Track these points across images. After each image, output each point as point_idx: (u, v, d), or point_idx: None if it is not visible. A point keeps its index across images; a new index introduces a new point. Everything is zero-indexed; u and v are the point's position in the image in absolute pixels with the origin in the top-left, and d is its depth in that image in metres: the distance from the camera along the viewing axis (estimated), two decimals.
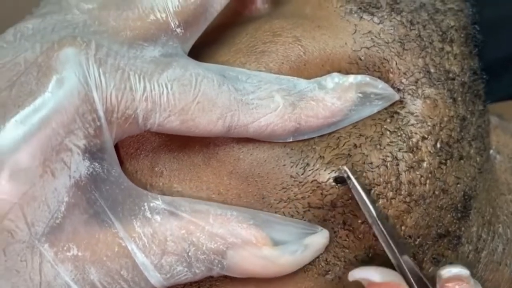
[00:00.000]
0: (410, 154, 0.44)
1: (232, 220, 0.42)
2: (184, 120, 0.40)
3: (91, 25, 0.41)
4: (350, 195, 0.43)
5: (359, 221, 0.44)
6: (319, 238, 0.43)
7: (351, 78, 0.44)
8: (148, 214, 0.41)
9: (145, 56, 0.41)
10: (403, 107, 0.45)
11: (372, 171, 0.44)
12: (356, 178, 0.43)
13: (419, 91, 0.46)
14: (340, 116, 0.44)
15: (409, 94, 0.45)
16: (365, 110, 0.44)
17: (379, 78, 0.45)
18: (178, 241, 0.40)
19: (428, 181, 0.45)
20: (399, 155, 0.44)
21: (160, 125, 0.40)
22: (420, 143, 0.45)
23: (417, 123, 0.45)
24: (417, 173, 0.44)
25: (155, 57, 0.41)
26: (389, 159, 0.44)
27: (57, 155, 0.38)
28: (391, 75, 0.46)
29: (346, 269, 0.45)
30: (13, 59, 0.39)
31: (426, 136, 0.45)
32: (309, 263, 0.44)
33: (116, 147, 0.41)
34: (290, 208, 0.43)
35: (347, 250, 0.44)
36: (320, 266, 0.44)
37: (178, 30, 0.42)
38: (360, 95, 0.44)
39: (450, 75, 0.47)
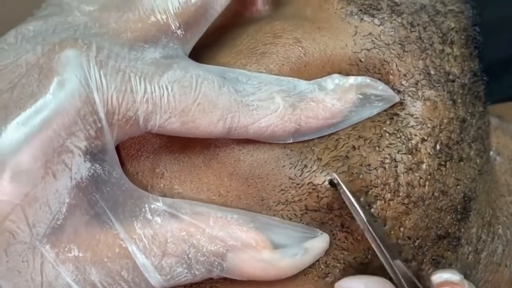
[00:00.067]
0: (409, 156, 0.44)
1: (232, 223, 0.42)
2: (184, 121, 0.40)
3: (92, 27, 0.41)
4: None
5: (357, 223, 0.44)
6: (319, 242, 0.43)
7: (351, 80, 0.44)
8: (148, 215, 0.41)
9: (146, 58, 0.41)
10: (403, 109, 0.45)
11: (369, 173, 0.44)
12: (352, 181, 0.43)
13: (419, 93, 0.46)
14: (340, 117, 0.44)
15: (409, 96, 0.45)
16: (365, 111, 0.44)
17: (379, 79, 0.45)
18: (178, 243, 0.41)
19: (427, 183, 0.45)
20: (398, 157, 0.44)
21: (161, 126, 0.40)
22: (419, 145, 0.45)
23: (417, 125, 0.45)
24: (416, 174, 0.44)
25: (156, 59, 0.41)
26: (387, 161, 0.44)
27: (58, 157, 0.38)
28: (391, 76, 0.46)
29: (345, 271, 0.45)
30: (14, 61, 0.39)
31: (426, 138, 0.45)
32: (309, 266, 0.44)
33: (117, 148, 0.42)
34: (288, 210, 0.44)
35: (346, 252, 0.44)
36: (320, 268, 0.44)
37: (179, 31, 0.42)
38: (360, 96, 0.44)
39: (450, 77, 0.47)
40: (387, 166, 0.44)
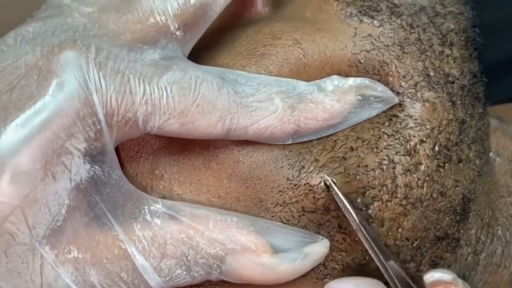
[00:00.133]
0: (408, 157, 0.44)
1: (232, 226, 0.42)
2: (183, 123, 0.40)
3: (91, 29, 0.41)
4: None
5: None
6: (319, 247, 0.43)
7: (351, 81, 0.44)
8: (148, 217, 0.41)
9: (145, 59, 0.41)
10: (402, 110, 0.45)
11: (366, 174, 0.44)
12: (348, 182, 0.43)
13: (418, 94, 0.46)
14: (339, 119, 0.44)
15: (408, 97, 0.45)
16: (364, 112, 0.44)
17: (379, 81, 0.45)
18: (177, 245, 0.41)
19: (425, 184, 0.45)
20: (396, 158, 0.44)
21: (160, 128, 0.40)
22: (418, 146, 0.45)
23: (416, 126, 0.45)
24: (414, 176, 0.44)
25: (155, 60, 0.41)
26: (385, 162, 0.44)
27: (58, 158, 0.38)
28: (390, 78, 0.46)
29: (344, 273, 0.45)
30: (13, 62, 0.39)
31: (425, 139, 0.45)
32: None
33: (117, 149, 0.42)
34: (285, 212, 0.44)
35: (344, 253, 0.44)
36: (319, 270, 0.44)
37: (178, 33, 0.42)
38: (360, 97, 0.44)
39: (450, 78, 0.47)
40: (385, 168, 0.44)
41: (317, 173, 0.44)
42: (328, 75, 0.45)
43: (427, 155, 0.45)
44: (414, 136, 0.45)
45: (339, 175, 0.43)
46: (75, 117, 0.38)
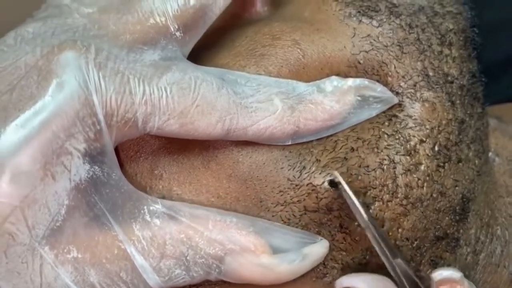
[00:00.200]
0: (408, 157, 0.44)
1: (232, 226, 0.42)
2: (183, 123, 0.40)
3: (91, 29, 0.41)
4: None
5: (356, 223, 0.44)
6: (319, 248, 0.43)
7: (350, 82, 0.44)
8: (147, 217, 0.41)
9: (145, 59, 0.41)
10: (402, 110, 0.45)
11: (368, 174, 0.44)
12: (350, 182, 0.43)
13: (418, 94, 0.46)
14: (338, 119, 0.44)
15: (407, 97, 0.45)
16: (364, 113, 0.44)
17: (378, 81, 0.45)
18: (177, 245, 0.41)
19: (425, 184, 0.45)
20: (396, 158, 0.44)
21: (160, 128, 0.40)
22: (418, 146, 0.45)
23: (415, 126, 0.45)
24: (415, 176, 0.44)
25: (155, 61, 0.41)
26: (385, 162, 0.44)
27: (57, 159, 0.38)
28: (389, 78, 0.46)
29: (343, 272, 0.45)
30: (13, 62, 0.39)
31: (424, 139, 0.45)
32: None
33: (116, 150, 0.42)
34: (287, 211, 0.44)
35: (344, 253, 0.44)
36: (318, 269, 0.44)
37: (178, 33, 0.42)
38: (359, 98, 0.44)
39: (449, 78, 0.47)
40: (385, 168, 0.44)
41: (320, 173, 0.44)
42: (328, 75, 0.45)
43: (427, 155, 0.45)
44: (414, 136, 0.45)
45: (342, 175, 0.43)
46: (75, 117, 0.38)
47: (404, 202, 0.44)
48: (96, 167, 0.39)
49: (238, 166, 0.43)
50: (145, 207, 0.41)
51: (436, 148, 0.45)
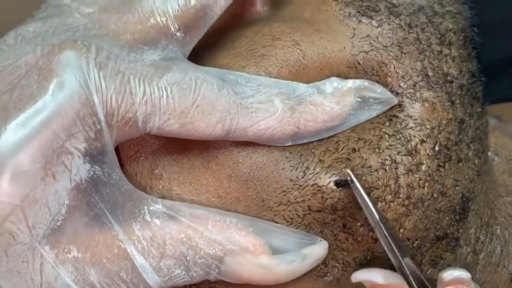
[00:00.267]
0: (409, 157, 0.44)
1: (231, 227, 0.42)
2: (183, 123, 0.40)
3: (92, 29, 0.41)
4: (350, 198, 0.43)
5: (358, 224, 0.44)
6: (318, 249, 0.44)
7: (350, 83, 0.44)
8: (147, 217, 0.41)
9: (145, 59, 0.41)
10: (402, 111, 0.45)
11: (371, 175, 0.44)
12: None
13: (418, 94, 0.46)
14: (338, 121, 0.44)
15: (407, 97, 0.45)
16: (364, 114, 0.44)
17: (378, 82, 0.45)
18: (176, 245, 0.41)
19: (426, 184, 0.45)
20: (398, 158, 0.44)
21: (160, 128, 0.40)
22: (419, 146, 0.45)
23: (416, 126, 0.45)
24: (416, 176, 0.45)
25: (155, 61, 0.41)
26: (388, 162, 0.44)
27: (58, 158, 0.38)
28: (389, 78, 0.46)
29: (344, 271, 0.45)
30: (14, 62, 0.39)
31: (425, 139, 0.45)
32: None
33: (116, 149, 0.42)
34: (290, 211, 0.44)
35: (345, 253, 0.45)
36: (319, 268, 0.45)
37: (178, 34, 0.42)
38: (359, 99, 0.44)
39: (448, 78, 0.47)
40: (387, 168, 0.44)
41: (325, 174, 0.44)
42: (327, 76, 0.45)
43: (428, 155, 0.45)
44: (415, 136, 0.45)
45: (346, 176, 0.44)
46: (75, 117, 0.38)
47: (406, 202, 0.44)
48: (97, 167, 0.40)
49: (238, 167, 0.44)
50: (145, 207, 0.41)
51: (437, 148, 0.45)
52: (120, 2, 0.42)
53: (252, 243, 0.42)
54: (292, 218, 0.44)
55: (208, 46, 0.47)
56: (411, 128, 0.45)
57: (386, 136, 0.45)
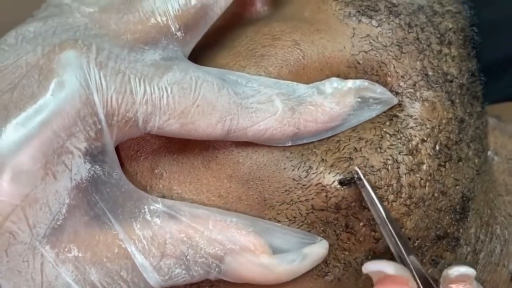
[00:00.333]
0: (410, 157, 0.44)
1: (232, 226, 0.42)
2: (183, 123, 0.40)
3: (92, 28, 0.41)
4: (354, 197, 0.44)
5: (361, 223, 0.44)
6: (318, 248, 0.44)
7: (350, 83, 0.44)
8: (148, 217, 0.41)
9: (146, 59, 0.41)
10: (402, 110, 0.45)
11: (373, 174, 0.44)
12: (359, 182, 0.43)
13: (417, 94, 0.46)
14: (338, 121, 0.44)
15: (407, 97, 0.46)
16: (364, 114, 0.44)
17: (377, 81, 0.45)
18: (177, 244, 0.41)
19: (427, 184, 0.45)
20: (400, 158, 0.44)
21: (160, 128, 0.40)
22: (419, 145, 0.45)
23: (416, 126, 0.45)
24: (417, 175, 0.45)
25: (156, 61, 0.41)
26: (389, 162, 0.44)
27: (58, 158, 0.38)
28: (389, 78, 0.46)
29: (345, 271, 0.45)
30: (14, 61, 0.39)
31: (426, 138, 0.45)
32: None
33: (117, 149, 0.42)
34: (293, 210, 0.44)
35: (347, 253, 0.45)
36: (320, 267, 0.45)
37: (179, 33, 0.42)
38: (359, 99, 0.44)
39: (448, 77, 0.47)
40: (389, 167, 0.44)
41: (329, 173, 0.44)
42: (327, 76, 0.45)
43: (429, 154, 0.45)
44: (415, 136, 0.45)
45: (350, 174, 0.44)
46: (75, 116, 0.38)
47: (408, 202, 0.44)
48: (97, 166, 0.40)
49: (238, 167, 0.44)
50: (146, 207, 0.41)
51: (437, 147, 0.45)
52: (120, 2, 0.42)
53: (253, 243, 0.42)
54: (294, 217, 0.44)
55: (208, 46, 0.47)
56: (411, 127, 0.45)
57: (387, 135, 0.45)
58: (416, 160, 0.45)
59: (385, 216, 0.42)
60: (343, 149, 0.44)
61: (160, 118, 0.40)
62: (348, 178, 0.43)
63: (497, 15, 0.78)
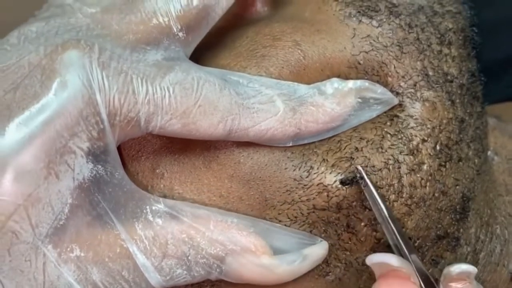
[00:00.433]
0: (411, 157, 0.44)
1: (233, 227, 0.42)
2: (185, 123, 0.40)
3: (94, 29, 0.41)
4: (355, 197, 0.44)
5: (362, 223, 0.44)
6: (318, 249, 0.44)
7: (350, 84, 0.44)
8: (150, 217, 0.41)
9: (148, 59, 0.41)
10: (403, 110, 0.45)
11: (375, 174, 0.44)
12: (361, 181, 0.43)
13: (418, 94, 0.46)
14: (339, 121, 0.44)
15: (408, 97, 0.46)
16: (364, 114, 0.45)
17: (378, 82, 0.45)
18: (178, 245, 0.41)
19: (428, 184, 0.45)
20: (401, 157, 0.44)
21: (162, 128, 0.40)
22: (420, 145, 0.45)
23: (417, 126, 0.45)
24: (418, 175, 0.45)
25: (158, 61, 0.41)
26: (391, 162, 0.44)
27: (61, 157, 0.38)
28: (389, 78, 0.46)
29: (346, 271, 0.45)
30: (17, 61, 0.39)
31: (426, 138, 0.45)
32: None
33: (118, 149, 0.42)
34: (294, 210, 0.44)
35: (348, 253, 0.45)
36: (321, 267, 0.45)
37: (180, 34, 0.43)
38: (359, 100, 0.44)
39: (449, 77, 0.47)
40: (391, 167, 0.44)
41: (331, 173, 0.44)
42: (328, 77, 0.45)
43: (429, 154, 0.45)
44: (416, 136, 0.45)
45: (352, 174, 0.44)
46: (78, 116, 0.38)
47: (409, 201, 0.44)
48: (99, 166, 0.40)
49: (239, 167, 0.44)
50: (148, 207, 0.41)
51: (438, 147, 0.45)
52: (122, 3, 0.42)
53: (253, 243, 0.42)
54: (296, 217, 0.44)
55: (209, 46, 0.47)
56: (412, 127, 0.45)
57: (388, 135, 0.45)
58: (417, 160, 0.45)
59: (387, 215, 0.42)
60: (344, 149, 0.44)
61: (162, 118, 0.40)
62: (350, 178, 0.43)
63: (497, 15, 0.78)
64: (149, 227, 0.41)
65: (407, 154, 0.44)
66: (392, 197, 0.44)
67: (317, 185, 0.43)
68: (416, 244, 0.45)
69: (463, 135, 0.47)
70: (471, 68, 0.50)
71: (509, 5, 0.80)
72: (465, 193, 0.47)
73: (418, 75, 0.46)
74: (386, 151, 0.44)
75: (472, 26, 0.51)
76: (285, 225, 0.44)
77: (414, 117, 0.45)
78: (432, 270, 0.47)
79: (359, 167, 0.43)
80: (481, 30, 0.51)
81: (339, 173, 0.44)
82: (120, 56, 0.40)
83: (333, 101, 0.43)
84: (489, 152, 0.53)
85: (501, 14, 0.79)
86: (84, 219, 0.40)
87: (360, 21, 0.47)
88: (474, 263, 0.49)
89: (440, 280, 0.44)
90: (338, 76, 0.45)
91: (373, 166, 0.44)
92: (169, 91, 0.40)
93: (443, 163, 0.45)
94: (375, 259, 0.42)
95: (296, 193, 0.44)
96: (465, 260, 0.48)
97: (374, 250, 0.44)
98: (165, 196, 0.44)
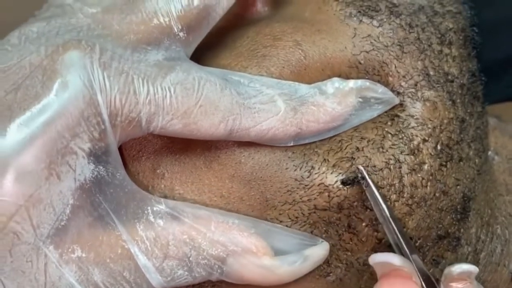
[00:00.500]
0: (412, 157, 0.44)
1: (234, 228, 0.42)
2: (186, 123, 0.40)
3: (95, 29, 0.41)
4: (356, 197, 0.44)
5: (363, 224, 0.44)
6: (319, 250, 0.44)
7: (351, 83, 0.44)
8: (151, 218, 0.41)
9: (149, 59, 0.41)
10: (403, 110, 0.45)
11: (376, 174, 0.44)
12: (362, 181, 0.43)
13: (419, 93, 0.46)
14: (340, 121, 0.44)
15: (408, 97, 0.46)
16: (365, 114, 0.45)
17: (379, 81, 0.45)
18: (179, 246, 0.41)
19: (429, 183, 0.45)
20: (401, 157, 0.44)
21: (163, 128, 0.40)
22: (421, 145, 0.45)
23: (418, 126, 0.45)
24: (419, 175, 0.45)
25: (159, 61, 0.41)
26: (392, 161, 0.44)
27: (62, 158, 0.38)
28: (390, 78, 0.46)
29: (347, 272, 0.45)
30: (18, 62, 0.39)
31: (427, 138, 0.45)
32: None
33: (119, 149, 0.42)
34: (295, 210, 0.44)
35: (349, 253, 0.45)
36: (322, 268, 0.45)
37: (181, 34, 0.43)
38: (360, 99, 0.44)
39: (449, 77, 0.47)
40: (392, 167, 0.44)
41: (332, 173, 0.44)
42: (329, 76, 0.45)
43: (430, 154, 0.45)
44: (417, 136, 0.45)
45: (353, 174, 0.44)
46: (79, 117, 0.38)
47: (410, 201, 0.44)
48: (101, 167, 0.40)
49: (240, 167, 0.44)
50: (149, 208, 0.41)
51: (439, 147, 0.45)
52: (123, 3, 0.42)
53: (254, 244, 0.42)
54: (297, 217, 0.44)
55: (209, 46, 0.47)
56: (413, 127, 0.45)
57: (389, 135, 0.45)
58: (417, 160, 0.45)
59: (388, 215, 0.42)
60: (345, 148, 0.44)
61: (163, 118, 0.40)
62: (351, 178, 0.43)
63: (497, 15, 0.78)
64: (150, 228, 0.41)
65: (408, 154, 0.44)
66: (393, 197, 0.44)
67: (318, 185, 0.43)
68: (417, 244, 0.45)
69: (464, 135, 0.47)
70: (472, 68, 0.50)
71: (509, 5, 0.80)
72: (465, 193, 0.47)
73: (419, 75, 0.46)
74: (387, 151, 0.44)
75: (472, 26, 0.51)
76: (286, 225, 0.44)
77: (415, 117, 0.45)
78: (433, 270, 0.47)
79: (361, 167, 0.43)
80: (481, 30, 0.51)
81: (340, 173, 0.44)
82: (121, 56, 0.40)
83: (334, 101, 0.43)
84: (489, 152, 0.53)
85: (501, 14, 0.79)
86: (86, 220, 0.40)
87: (361, 21, 0.47)
88: (475, 263, 0.49)
89: (441, 280, 0.44)
90: (339, 76, 0.45)
91: (374, 166, 0.44)
92: (170, 91, 0.40)
93: (444, 163, 0.45)
94: (377, 259, 0.42)
95: (297, 193, 0.44)
96: (465, 260, 0.48)
97: (375, 250, 0.44)
98: (166, 197, 0.44)
